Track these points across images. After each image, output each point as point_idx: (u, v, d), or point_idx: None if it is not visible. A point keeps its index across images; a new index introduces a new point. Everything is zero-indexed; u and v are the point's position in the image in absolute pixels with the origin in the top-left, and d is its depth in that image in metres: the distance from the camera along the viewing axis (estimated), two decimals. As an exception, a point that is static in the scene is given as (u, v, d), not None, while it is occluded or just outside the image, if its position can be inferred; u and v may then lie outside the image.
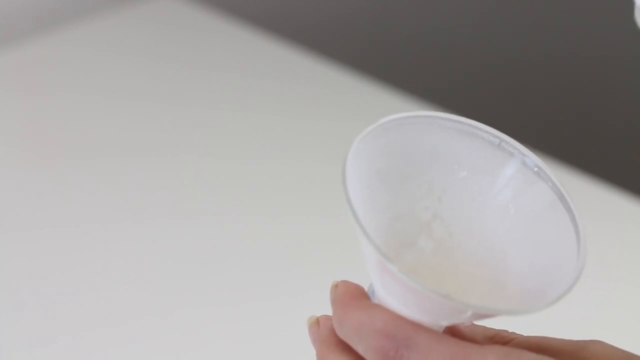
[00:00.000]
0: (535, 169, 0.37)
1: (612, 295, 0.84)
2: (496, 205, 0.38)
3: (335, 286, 0.36)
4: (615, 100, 1.45)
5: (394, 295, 0.35)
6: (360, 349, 0.34)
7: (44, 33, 1.19)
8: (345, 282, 0.36)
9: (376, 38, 1.52)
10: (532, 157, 0.38)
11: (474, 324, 0.39)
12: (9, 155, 0.97)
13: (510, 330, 0.38)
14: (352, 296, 0.35)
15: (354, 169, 0.36)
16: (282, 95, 1.11)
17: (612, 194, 0.96)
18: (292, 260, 0.84)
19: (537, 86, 1.48)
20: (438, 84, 1.38)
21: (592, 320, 0.80)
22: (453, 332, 0.38)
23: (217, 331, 0.76)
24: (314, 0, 1.52)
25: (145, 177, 0.95)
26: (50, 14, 1.24)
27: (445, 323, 0.36)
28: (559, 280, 0.34)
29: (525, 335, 0.37)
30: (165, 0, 1.30)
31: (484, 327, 0.38)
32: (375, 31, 1.52)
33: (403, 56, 1.51)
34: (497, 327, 0.39)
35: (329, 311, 0.37)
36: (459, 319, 0.35)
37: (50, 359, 0.73)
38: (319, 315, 0.38)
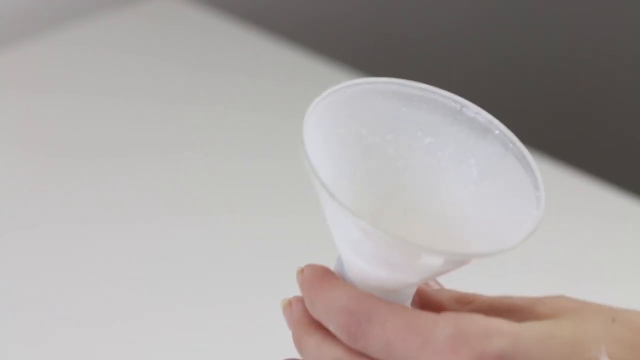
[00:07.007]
0: (497, 132, 0.37)
1: (612, 295, 0.84)
2: (460, 169, 0.38)
3: (301, 271, 0.38)
4: (615, 100, 1.45)
5: (364, 257, 0.35)
6: (331, 328, 0.36)
7: (44, 33, 1.19)
8: (310, 265, 0.38)
9: (376, 38, 1.52)
10: (496, 123, 0.38)
11: (441, 287, 0.40)
12: (9, 154, 0.97)
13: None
14: (319, 277, 0.37)
15: (316, 131, 0.36)
16: (282, 95, 1.11)
17: (612, 194, 0.96)
18: (293, 259, 0.84)
19: (536, 86, 1.48)
20: (438, 83, 1.38)
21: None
22: (421, 295, 0.38)
23: (215, 330, 0.76)
24: None
25: (144, 176, 0.95)
26: (50, 14, 1.24)
27: (415, 279, 0.36)
28: (521, 227, 0.35)
29: (489, 295, 0.38)
30: (165, 0, 1.30)
31: (450, 290, 0.39)
32: (375, 31, 1.52)
33: (403, 56, 1.51)
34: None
35: None
36: (429, 272, 0.35)
37: (48, 357, 0.73)
38: (290, 297, 0.39)
